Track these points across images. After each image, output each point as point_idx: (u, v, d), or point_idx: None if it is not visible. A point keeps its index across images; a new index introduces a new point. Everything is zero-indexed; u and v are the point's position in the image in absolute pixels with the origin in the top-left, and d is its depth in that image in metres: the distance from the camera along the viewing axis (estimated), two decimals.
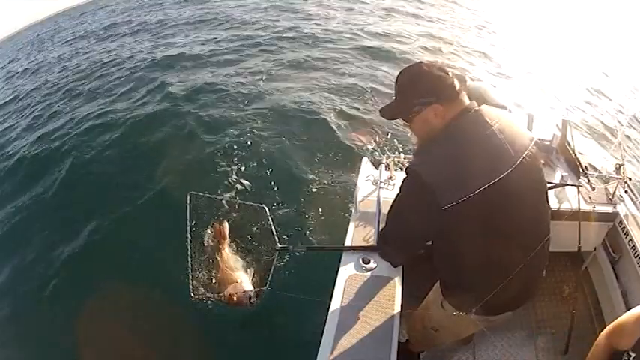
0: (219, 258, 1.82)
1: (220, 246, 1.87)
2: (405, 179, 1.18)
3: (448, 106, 1.14)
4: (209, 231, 1.91)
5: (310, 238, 3.22)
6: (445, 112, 1.14)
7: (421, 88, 1.15)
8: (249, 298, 1.61)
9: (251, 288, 1.64)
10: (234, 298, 1.61)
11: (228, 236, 1.91)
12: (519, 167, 1.11)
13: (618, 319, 1.15)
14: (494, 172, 1.08)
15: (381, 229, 1.53)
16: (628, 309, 1.97)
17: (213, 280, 1.74)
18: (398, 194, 1.26)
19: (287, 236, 3.15)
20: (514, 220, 1.15)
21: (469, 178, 1.07)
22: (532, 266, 1.23)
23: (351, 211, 2.04)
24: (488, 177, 1.07)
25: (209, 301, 1.58)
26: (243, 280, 1.68)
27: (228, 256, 1.82)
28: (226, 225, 1.92)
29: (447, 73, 1.16)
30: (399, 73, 1.22)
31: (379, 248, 1.55)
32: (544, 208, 1.27)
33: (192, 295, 1.57)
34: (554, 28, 10.28)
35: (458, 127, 1.13)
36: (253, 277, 1.82)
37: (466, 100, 1.17)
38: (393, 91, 1.25)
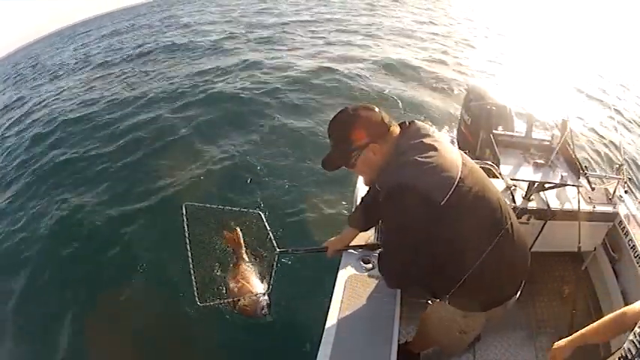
0: (235, 267, 1.80)
1: (238, 254, 1.84)
2: (391, 198, 1.16)
3: (383, 141, 1.20)
4: (216, 235, 1.88)
5: (310, 239, 3.22)
6: (382, 147, 1.20)
7: (354, 134, 1.20)
8: (262, 309, 1.60)
9: (265, 298, 1.63)
10: (248, 309, 1.60)
11: (243, 243, 1.88)
12: (465, 159, 1.22)
13: None
14: (456, 165, 1.16)
15: (379, 253, 1.51)
16: None
17: (224, 289, 1.73)
18: (389, 216, 1.24)
19: (286, 239, 3.15)
20: (492, 206, 1.22)
21: (445, 170, 1.13)
22: (520, 251, 1.30)
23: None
24: (456, 169, 1.15)
25: (209, 306, 1.57)
26: (257, 290, 1.67)
27: (245, 264, 1.81)
28: (239, 232, 1.89)
29: (374, 110, 1.22)
30: (329, 124, 1.25)
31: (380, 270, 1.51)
32: (500, 194, 1.33)
33: (199, 302, 1.57)
34: (555, 27, 10.27)
35: (406, 140, 1.20)
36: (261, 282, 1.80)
37: (396, 126, 1.24)
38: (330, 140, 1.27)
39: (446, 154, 1.17)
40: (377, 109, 1.23)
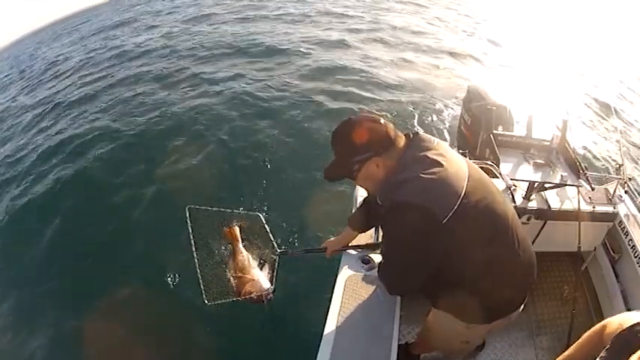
0: (233, 260, 1.83)
1: (235, 248, 1.88)
2: (393, 215, 1.15)
3: (386, 155, 1.17)
4: (219, 236, 1.92)
5: (310, 240, 3.22)
6: (385, 161, 1.17)
7: (356, 147, 1.17)
8: (267, 295, 1.62)
9: (268, 284, 1.66)
10: (253, 296, 1.62)
11: (240, 238, 1.91)
12: (472, 170, 1.19)
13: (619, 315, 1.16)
14: (461, 179, 1.13)
15: (379, 263, 1.50)
16: (628, 309, 1.98)
17: (228, 283, 1.76)
18: (390, 231, 1.23)
19: (287, 240, 3.15)
20: (497, 219, 1.19)
21: (449, 187, 1.10)
22: (525, 263, 1.27)
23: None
24: (460, 184, 1.12)
25: (209, 306, 1.59)
26: (259, 278, 1.70)
27: (243, 256, 1.84)
28: (237, 228, 1.92)
29: (379, 122, 1.18)
30: (333, 133, 1.22)
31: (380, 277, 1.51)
32: (510, 205, 1.31)
33: (207, 301, 1.59)
34: (555, 27, 10.28)
35: (410, 154, 1.17)
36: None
37: (402, 138, 1.21)
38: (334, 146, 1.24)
39: (451, 168, 1.13)
40: (382, 121, 1.18)
